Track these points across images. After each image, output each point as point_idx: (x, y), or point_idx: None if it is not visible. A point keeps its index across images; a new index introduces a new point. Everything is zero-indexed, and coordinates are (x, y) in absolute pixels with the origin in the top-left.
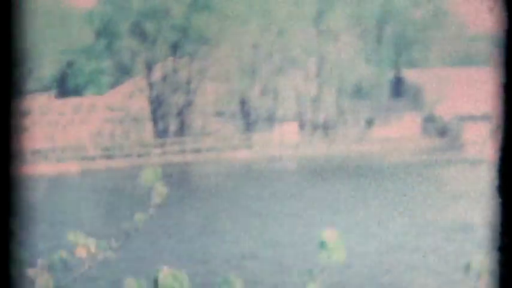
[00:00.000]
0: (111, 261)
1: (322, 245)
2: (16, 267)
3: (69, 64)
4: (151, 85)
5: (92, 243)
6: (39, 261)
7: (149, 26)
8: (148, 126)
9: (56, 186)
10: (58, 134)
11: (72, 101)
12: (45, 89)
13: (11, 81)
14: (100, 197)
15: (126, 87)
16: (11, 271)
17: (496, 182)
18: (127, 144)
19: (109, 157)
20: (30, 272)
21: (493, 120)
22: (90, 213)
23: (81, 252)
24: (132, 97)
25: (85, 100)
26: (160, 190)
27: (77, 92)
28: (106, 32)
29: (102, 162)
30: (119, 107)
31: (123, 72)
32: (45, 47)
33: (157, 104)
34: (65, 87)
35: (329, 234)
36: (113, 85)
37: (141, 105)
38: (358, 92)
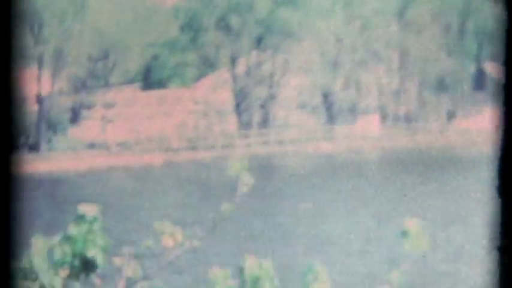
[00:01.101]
0: (198, 250)
1: (405, 234)
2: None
3: (154, 57)
4: (235, 78)
5: (178, 232)
6: (126, 250)
7: (234, 20)
8: (232, 118)
9: (141, 177)
10: (143, 126)
11: (157, 94)
12: (131, 81)
13: (11, 82)
14: (185, 188)
15: (211, 80)
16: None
17: (496, 182)
18: (211, 136)
19: (193, 149)
20: (117, 260)
21: None
22: (175, 203)
23: (168, 241)
24: (216, 90)
25: (170, 92)
26: (247, 180)
27: (161, 84)
28: (191, 26)
29: (186, 154)
30: (203, 100)
31: (208, 65)
32: (131, 40)
33: (241, 97)
34: (149, 79)
35: (411, 224)
36: (198, 78)
37: (225, 97)
38: (440, 85)
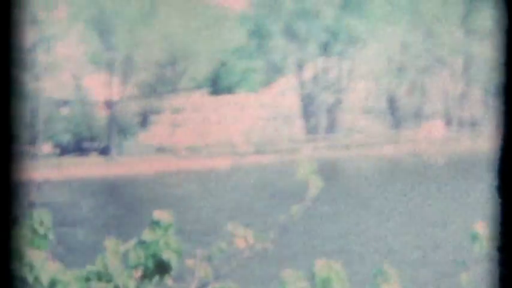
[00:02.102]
0: (269, 252)
1: (475, 237)
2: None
3: (222, 63)
4: (302, 83)
5: (250, 234)
6: (199, 252)
7: (301, 27)
8: (299, 123)
9: (209, 180)
10: (211, 131)
11: (225, 99)
12: (199, 87)
13: (11, 84)
14: (253, 191)
15: (278, 85)
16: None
17: (496, 182)
18: (278, 141)
19: (260, 153)
20: (189, 262)
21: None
22: (244, 207)
23: (239, 243)
24: (283, 95)
25: (237, 98)
26: (316, 183)
27: (229, 90)
28: (258, 33)
29: (253, 158)
30: (270, 105)
31: (275, 71)
32: (199, 47)
33: (307, 102)
34: (217, 85)
35: (481, 227)
36: (265, 83)
37: (292, 102)
38: None
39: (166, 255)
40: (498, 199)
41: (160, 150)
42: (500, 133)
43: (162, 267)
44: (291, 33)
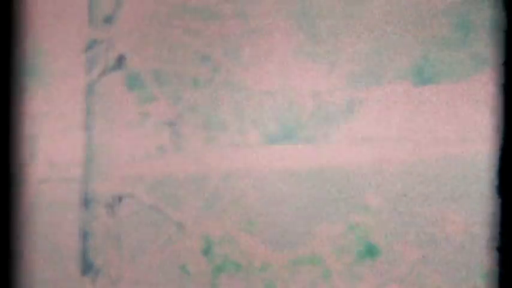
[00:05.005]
0: (477, 236)
1: None
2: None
3: (426, 54)
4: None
5: (460, 219)
6: (409, 236)
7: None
8: (495, 113)
9: (414, 170)
10: (414, 121)
11: (428, 90)
12: (403, 78)
13: (11, 81)
14: (462, 179)
15: (481, 77)
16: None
17: (495, 182)
18: (481, 130)
19: (464, 141)
20: (399, 246)
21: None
22: (456, 192)
23: (450, 227)
24: (486, 86)
25: (441, 89)
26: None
27: (433, 81)
28: (462, 24)
29: (458, 148)
30: (474, 96)
31: (478, 62)
32: (403, 38)
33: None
34: (421, 76)
35: None
36: (469, 75)
37: (492, 94)
38: None
39: (377, 239)
40: (498, 199)
41: (365, 140)
42: (501, 133)
43: (372, 251)
44: (494, 24)
